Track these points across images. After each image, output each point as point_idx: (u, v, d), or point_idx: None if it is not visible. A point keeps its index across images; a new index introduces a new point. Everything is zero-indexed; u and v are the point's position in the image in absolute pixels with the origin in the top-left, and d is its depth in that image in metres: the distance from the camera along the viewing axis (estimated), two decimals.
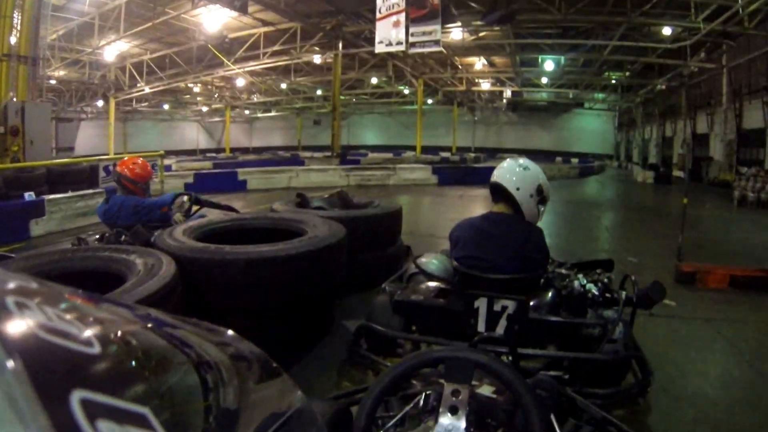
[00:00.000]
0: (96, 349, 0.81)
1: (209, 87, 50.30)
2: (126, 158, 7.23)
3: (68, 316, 0.88)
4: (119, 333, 1.02)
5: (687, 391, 5.05)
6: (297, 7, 26.27)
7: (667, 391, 4.85)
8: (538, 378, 2.74)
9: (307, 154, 51.47)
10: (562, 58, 36.82)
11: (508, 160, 4.27)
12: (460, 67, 43.03)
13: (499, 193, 4.11)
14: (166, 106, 57.50)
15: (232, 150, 64.01)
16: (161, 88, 39.42)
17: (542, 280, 4.14)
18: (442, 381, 2.01)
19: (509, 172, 4.11)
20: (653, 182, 35.03)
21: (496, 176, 4.10)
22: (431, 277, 4.26)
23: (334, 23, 28.50)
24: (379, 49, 19.33)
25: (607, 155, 66.94)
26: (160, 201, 7.12)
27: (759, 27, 25.33)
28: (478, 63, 41.72)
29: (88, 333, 0.84)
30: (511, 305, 3.62)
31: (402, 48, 18.95)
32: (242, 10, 21.87)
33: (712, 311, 7.51)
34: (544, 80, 46.88)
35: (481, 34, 30.70)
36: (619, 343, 3.70)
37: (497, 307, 3.66)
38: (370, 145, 67.46)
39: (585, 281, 4.01)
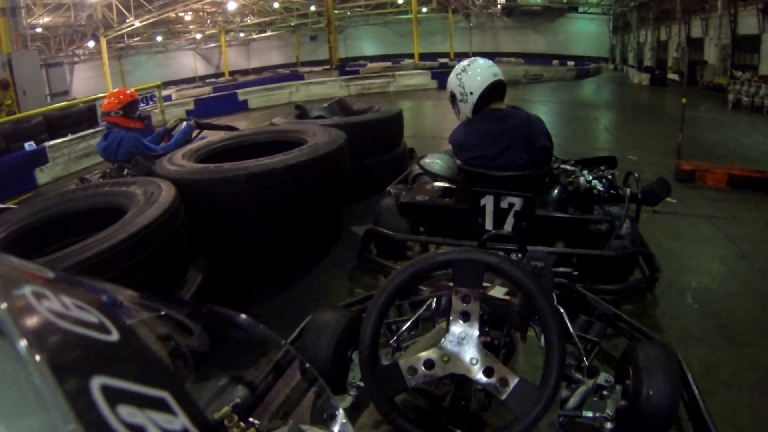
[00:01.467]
0: (114, 336, 0.79)
1: (201, 14, 49.81)
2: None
3: (85, 305, 0.84)
4: (137, 319, 1.03)
5: (691, 285, 5.04)
6: None
7: (672, 286, 4.83)
8: (533, 249, 2.66)
9: (307, 69, 50.94)
10: None
11: (478, 60, 4.12)
12: None
13: (498, 90, 4.00)
14: (159, 38, 56.69)
15: (231, 73, 63.42)
16: (152, 20, 38.98)
17: (547, 178, 4.06)
18: (451, 284, 1.91)
19: (496, 69, 4.01)
20: (649, 84, 34.79)
21: (500, 75, 3.98)
22: (436, 177, 4.18)
23: None
24: None
25: (603, 58, 66.61)
26: (158, 135, 7.05)
27: None
28: None
29: (106, 321, 0.82)
30: (518, 202, 3.55)
31: None
32: None
33: (712, 209, 7.52)
34: None
35: None
36: (627, 239, 3.65)
37: (504, 205, 3.59)
38: (369, 56, 66.84)
39: (590, 177, 3.94)
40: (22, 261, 0.95)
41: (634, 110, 21.56)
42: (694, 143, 11.50)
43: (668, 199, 6.08)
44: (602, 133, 14.62)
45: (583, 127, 15.29)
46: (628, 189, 3.89)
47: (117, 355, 0.77)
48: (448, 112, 14.21)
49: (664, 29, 48.30)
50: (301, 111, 8.57)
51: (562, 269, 3.59)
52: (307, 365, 1.41)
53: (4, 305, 0.69)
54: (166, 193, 4.37)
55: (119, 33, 41.06)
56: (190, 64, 70.31)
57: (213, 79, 56.94)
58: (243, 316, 1.36)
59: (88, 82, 48.41)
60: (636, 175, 3.87)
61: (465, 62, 4.18)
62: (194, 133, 7.40)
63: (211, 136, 7.42)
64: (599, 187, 3.88)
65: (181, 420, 0.74)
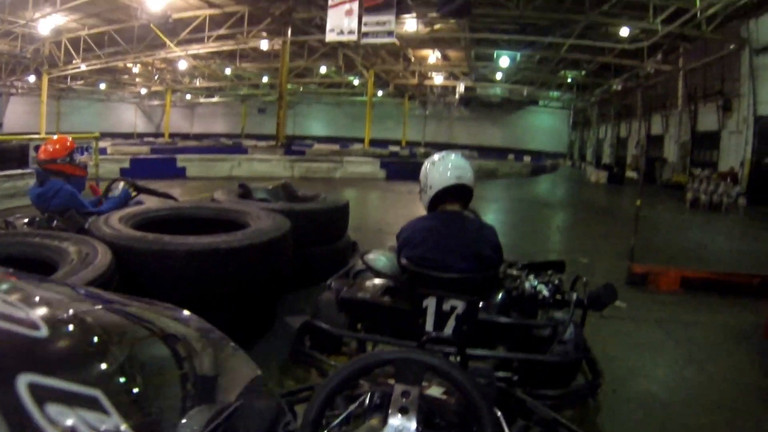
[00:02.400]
0: (43, 331, 0.80)
1: (150, 68, 49.18)
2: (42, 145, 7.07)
3: (13, 299, 0.88)
4: (69, 314, 1.02)
5: (636, 392, 5.13)
6: None
7: (616, 392, 4.92)
8: (476, 367, 2.74)
9: (251, 142, 51.41)
10: (518, 55, 37.05)
11: (452, 157, 4.22)
12: (413, 59, 43.05)
13: (458, 193, 4.10)
14: (102, 86, 56.09)
15: (172, 135, 62.88)
16: (98, 66, 38.33)
17: (492, 282, 4.15)
18: (390, 381, 1.99)
19: (470, 172, 4.11)
20: (606, 182, 35.42)
21: (464, 179, 4.07)
22: (378, 274, 4.24)
23: (283, 9, 28.20)
24: (330, 37, 19.19)
25: (560, 154, 67.72)
26: (92, 202, 7.04)
27: (716, 31, 25.89)
28: (432, 56, 41.68)
29: (35, 316, 0.84)
30: (460, 305, 3.62)
31: (354, 38, 18.83)
32: None
33: (663, 313, 7.66)
34: (499, 76, 47.15)
35: (437, 26, 30.74)
36: (570, 344, 3.72)
37: (446, 307, 3.65)
38: (317, 136, 67.75)
39: (536, 282, 4.03)
40: None
41: (589, 210, 21.94)
42: (649, 244, 11.71)
43: (618, 303, 6.20)
44: (554, 234, 14.86)
45: (535, 227, 15.50)
46: (574, 294, 3.99)
47: (45, 351, 0.78)
48: (393, 205, 14.40)
49: (624, 125, 49.54)
50: (244, 190, 8.53)
51: (501, 373, 3.66)
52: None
53: None
54: (102, 256, 4.36)
55: (63, 73, 40.44)
56: (130, 118, 70.55)
57: (152, 138, 57.16)
58: (185, 311, 1.37)
59: (22, 117, 48.13)
60: (584, 280, 3.98)
61: (439, 155, 4.29)
62: (132, 194, 7.37)
63: (149, 202, 7.43)
64: (545, 292, 3.97)
65: (114, 419, 0.75)
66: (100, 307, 1.15)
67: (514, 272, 4.25)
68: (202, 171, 24.17)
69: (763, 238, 15.59)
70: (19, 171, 15.18)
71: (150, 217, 6.36)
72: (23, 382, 0.67)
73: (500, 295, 4.03)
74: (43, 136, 25.55)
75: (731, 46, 27.80)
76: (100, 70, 44.11)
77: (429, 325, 3.65)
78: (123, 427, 0.75)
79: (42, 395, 0.67)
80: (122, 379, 0.87)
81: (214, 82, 55.04)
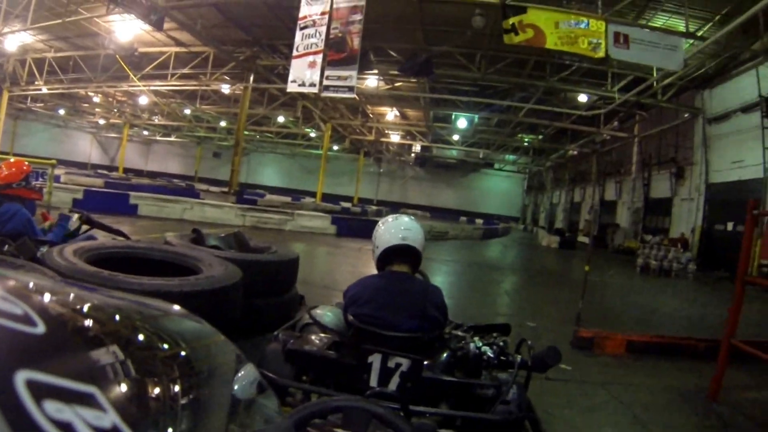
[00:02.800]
0: (40, 328, 0.81)
1: (110, 99, 48.98)
2: None
3: (10, 296, 0.88)
4: (65, 309, 1.03)
5: None
6: (213, 32, 26.12)
7: None
8: (420, 422, 2.80)
9: (204, 186, 51.27)
10: (476, 117, 37.43)
11: (402, 219, 4.31)
12: (371, 115, 43.31)
13: (405, 253, 4.17)
14: (62, 112, 56.12)
15: (126, 170, 62.94)
16: (60, 90, 38.08)
17: (437, 342, 4.20)
18: (337, 429, 2.04)
19: (418, 234, 4.18)
20: (558, 247, 35.74)
21: (409, 240, 4.15)
22: (325, 329, 4.28)
23: (248, 54, 28.38)
24: (292, 88, 19.20)
25: (513, 218, 68.38)
26: (45, 228, 6.99)
27: (671, 100, 26.63)
28: (390, 114, 41.99)
29: (32, 312, 0.84)
30: (405, 363, 3.66)
31: (315, 90, 18.88)
32: (157, 25, 21.50)
33: (609, 375, 7.73)
34: (456, 137, 47.51)
35: (397, 84, 31.00)
36: (513, 404, 3.77)
37: (391, 364, 3.69)
38: (269, 186, 67.82)
39: (480, 344, 4.08)
40: None
41: (539, 274, 22.12)
42: (597, 309, 11.86)
43: (563, 366, 6.26)
44: (503, 297, 14.85)
45: (484, 290, 15.48)
46: (518, 356, 4.05)
47: (43, 348, 0.78)
48: (342, 262, 14.43)
49: (578, 190, 50.13)
50: (197, 236, 8.55)
51: (444, 431, 3.70)
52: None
53: None
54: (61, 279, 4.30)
55: (24, 93, 39.97)
56: (86, 148, 70.35)
57: (105, 171, 56.52)
58: (176, 306, 1.38)
59: None
60: (529, 342, 4.05)
61: (392, 216, 4.38)
62: (83, 229, 7.34)
63: (102, 238, 7.41)
64: (489, 353, 4.01)
65: (111, 416, 0.76)
66: (95, 302, 1.15)
67: (460, 333, 4.31)
68: (154, 211, 24.04)
69: (710, 303, 15.85)
70: None
71: (103, 253, 6.33)
72: (21, 378, 0.68)
73: (445, 355, 4.08)
74: None
75: (685, 115, 28.52)
76: (62, 95, 44.03)
77: (373, 381, 3.68)
78: (119, 423, 0.77)
79: (40, 392, 0.69)
80: (119, 376, 0.88)
81: (172, 121, 54.98)
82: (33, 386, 0.69)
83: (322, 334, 4.32)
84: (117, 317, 1.14)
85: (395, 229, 4.18)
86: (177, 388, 1.01)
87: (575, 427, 5.76)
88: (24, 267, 4.71)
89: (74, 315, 1.02)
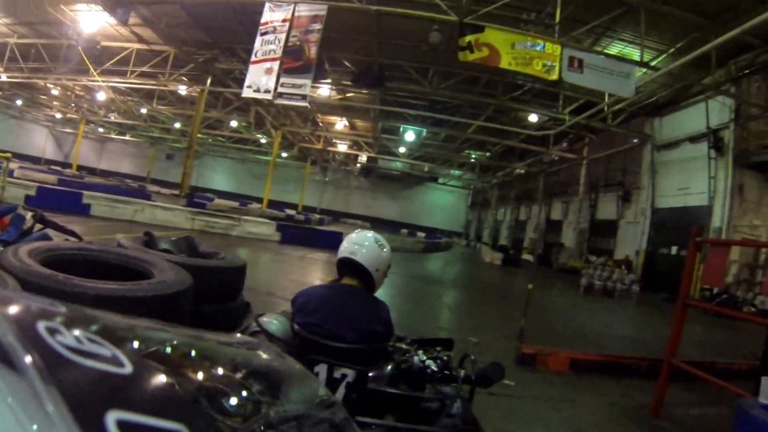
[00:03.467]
0: (128, 368, 0.83)
1: (69, 93, 48.25)
2: None
3: (98, 338, 0.90)
4: (151, 349, 1.06)
5: None
6: (176, 32, 26.07)
7: None
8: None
9: (155, 188, 51.07)
10: (424, 131, 37.65)
11: (364, 234, 4.29)
12: (321, 124, 43.40)
13: (353, 268, 4.16)
14: (19, 102, 55.30)
15: (80, 168, 62.17)
16: (20, 79, 37.56)
17: (381, 355, 4.19)
18: None
19: (370, 252, 4.16)
20: (501, 264, 35.72)
21: (357, 256, 4.13)
22: (271, 337, 4.24)
23: (207, 56, 28.39)
24: (247, 93, 19.13)
25: (456, 232, 68.82)
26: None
27: (621, 125, 27.17)
28: (340, 123, 42.23)
29: (119, 353, 0.87)
30: (350, 374, 3.65)
31: (269, 97, 18.82)
32: (123, 19, 21.35)
33: (552, 391, 7.82)
34: (402, 150, 47.73)
35: (349, 94, 31.17)
36: (457, 417, 3.77)
37: (337, 375, 3.67)
38: (218, 190, 67.58)
39: (424, 357, 4.08)
40: (34, 296, 0.98)
41: (482, 290, 22.26)
42: (541, 327, 11.97)
43: (506, 381, 6.28)
44: (445, 312, 14.82)
45: (425, 304, 15.45)
46: (462, 371, 4.06)
47: (131, 387, 0.81)
48: (286, 269, 14.45)
49: (524, 209, 50.68)
50: (149, 239, 8.47)
51: None
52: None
53: (17, 342, 0.76)
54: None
55: None
56: (41, 142, 69.39)
57: (59, 167, 55.65)
58: (254, 340, 1.38)
59: None
60: (472, 357, 4.05)
61: (360, 230, 4.37)
62: (36, 227, 7.25)
63: (57, 238, 7.39)
64: (433, 367, 4.01)
65: None
66: (178, 340, 1.20)
67: (404, 346, 4.30)
68: (106, 211, 23.75)
69: (653, 324, 16.13)
70: None
71: (57, 255, 6.21)
72: (112, 419, 0.70)
73: (389, 367, 4.07)
74: None
75: (635, 141, 29.14)
76: (20, 85, 43.51)
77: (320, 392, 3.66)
78: None
79: (129, 430, 0.71)
80: (207, 412, 0.91)
81: (128, 120, 54.51)
82: (123, 425, 0.71)
83: (269, 343, 4.29)
84: (200, 355, 1.21)
85: (349, 243, 4.17)
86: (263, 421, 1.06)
87: None
88: None
89: (157, 354, 1.05)
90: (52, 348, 0.78)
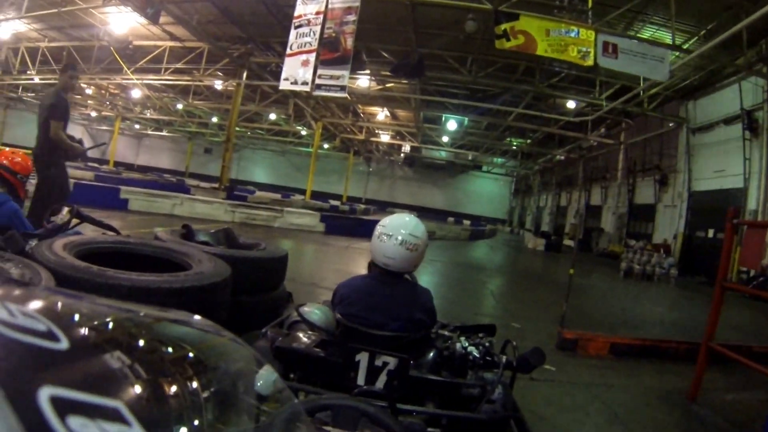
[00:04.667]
0: (63, 344, 0.81)
1: (103, 92, 48.65)
2: (5, 150, 6.96)
3: (33, 312, 0.88)
4: (89, 325, 1.02)
5: None
6: (208, 28, 26.10)
7: None
8: (409, 422, 2.79)
9: (194, 182, 50.84)
10: (466, 119, 37.45)
11: (393, 239, 4.22)
12: (362, 115, 43.27)
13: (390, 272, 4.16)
14: None
15: (117, 164, 62.64)
16: (52, 81, 37.17)
17: (424, 342, 4.18)
18: (326, 427, 2.03)
19: (403, 260, 4.10)
20: (544, 250, 35.78)
21: (391, 267, 4.10)
22: (313, 327, 4.25)
23: (242, 51, 28.36)
24: (284, 86, 19.10)
25: (500, 220, 68.34)
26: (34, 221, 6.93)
27: (656, 109, 26.82)
28: (381, 114, 42.19)
29: (55, 328, 0.84)
30: (392, 362, 3.65)
31: (307, 89, 18.79)
32: (153, 19, 21.38)
33: (591, 376, 7.78)
34: (445, 139, 47.47)
35: (388, 84, 30.99)
36: (498, 403, 3.76)
37: (378, 363, 3.67)
38: (259, 183, 67.49)
39: (467, 344, 4.07)
40: None
41: (525, 276, 22.19)
42: (581, 311, 11.91)
43: (548, 366, 6.26)
44: (489, 298, 14.77)
45: (469, 291, 15.41)
46: (504, 356, 4.04)
47: (67, 363, 0.78)
48: (330, 260, 14.39)
49: (564, 195, 50.24)
50: (187, 231, 8.42)
51: (431, 429, 3.69)
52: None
53: None
54: (47, 283, 4.27)
55: (16, 82, 39.79)
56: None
57: (96, 164, 55.63)
58: (197, 316, 1.36)
59: None
60: (513, 343, 4.04)
61: (389, 222, 4.31)
62: (72, 222, 7.27)
63: (92, 232, 7.33)
64: (475, 353, 4.00)
65: (136, 430, 0.76)
66: (115, 314, 1.14)
67: (446, 333, 4.29)
68: (144, 206, 23.73)
69: (691, 307, 15.96)
70: None
71: (93, 248, 6.22)
72: (45, 395, 0.68)
73: (431, 354, 4.06)
74: None
75: (670, 125, 28.71)
76: (53, 85, 43.16)
77: (361, 379, 3.67)
78: None
79: (64, 407, 0.69)
80: (145, 390, 0.88)
81: (164, 116, 54.67)
82: (57, 402, 0.69)
83: (310, 332, 4.31)
84: (140, 331, 1.13)
85: (378, 252, 4.13)
86: (195, 385, 1.01)
87: (558, 427, 5.78)
88: (12, 261, 4.67)
89: (96, 329, 1.01)
90: None
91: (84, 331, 0.97)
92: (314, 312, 4.47)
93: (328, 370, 3.94)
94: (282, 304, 8.25)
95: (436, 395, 3.95)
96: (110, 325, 1.08)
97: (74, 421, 0.68)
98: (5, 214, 6.21)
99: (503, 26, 16.13)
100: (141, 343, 1.07)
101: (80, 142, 9.71)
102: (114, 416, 0.75)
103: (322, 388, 3.76)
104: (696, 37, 19.97)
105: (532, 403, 6.00)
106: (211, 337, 1.32)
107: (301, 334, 4.27)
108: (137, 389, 0.86)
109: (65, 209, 7.26)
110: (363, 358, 3.73)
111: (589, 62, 16.22)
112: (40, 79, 37.18)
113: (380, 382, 3.70)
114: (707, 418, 6.56)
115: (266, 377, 1.38)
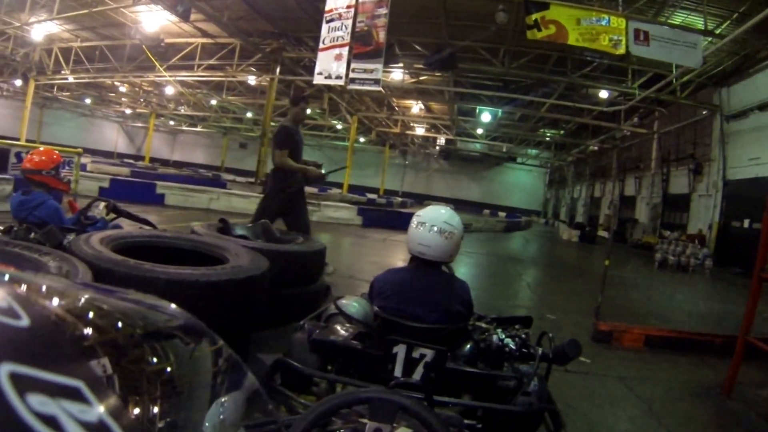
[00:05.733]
0: (24, 321, 0.80)
1: (136, 89, 48.81)
2: (28, 155, 7.04)
3: None
4: (52, 303, 1.01)
5: None
6: (240, 24, 26.22)
7: None
8: (447, 415, 2.81)
9: (230, 177, 51.34)
10: (500, 111, 37.31)
11: (426, 227, 4.20)
12: (396, 108, 43.26)
13: (426, 261, 4.18)
14: (88, 101, 56.27)
15: (152, 160, 63.09)
16: (86, 80, 38.21)
17: (461, 334, 4.19)
18: (362, 420, 2.06)
19: (438, 248, 4.12)
20: (578, 241, 35.51)
21: (427, 255, 4.12)
22: (350, 319, 4.28)
23: (274, 46, 28.39)
24: (318, 80, 19.20)
25: (535, 211, 67.89)
26: (72, 220, 6.99)
27: (689, 97, 26.46)
28: (415, 107, 42.19)
29: (16, 305, 0.83)
30: (429, 354, 3.66)
31: (341, 83, 18.87)
32: (184, 16, 21.58)
33: (626, 369, 7.71)
34: (480, 131, 47.37)
35: (422, 78, 30.96)
36: (534, 395, 3.76)
37: (416, 355, 3.69)
38: None
39: (503, 336, 4.08)
40: None
41: (560, 268, 22.08)
42: (616, 303, 11.80)
43: (582, 359, 6.23)
44: (524, 290, 14.70)
45: (505, 282, 15.37)
46: (540, 348, 4.04)
47: (27, 341, 0.77)
48: (367, 252, 14.35)
49: (598, 185, 49.85)
50: (224, 225, 8.48)
51: (467, 421, 3.70)
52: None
53: None
54: (84, 276, 4.32)
55: (50, 82, 40.12)
56: (112, 137, 70.85)
57: (131, 161, 56.45)
58: (173, 305, 1.36)
59: (3, 119, 48.60)
60: (550, 335, 4.04)
61: (424, 213, 4.33)
62: (109, 217, 7.35)
63: (128, 227, 7.46)
64: (511, 345, 4.00)
65: (97, 410, 0.74)
66: (85, 296, 1.14)
67: (483, 325, 4.30)
68: (180, 200, 23.97)
69: (727, 299, 15.72)
70: None
71: (130, 242, 6.33)
72: (4, 371, 0.67)
73: (468, 346, 4.08)
74: (23, 143, 25.20)
75: (704, 112, 28.34)
76: (87, 84, 44.22)
77: (398, 371, 3.69)
78: (105, 417, 0.76)
79: (23, 385, 0.68)
80: (106, 370, 0.86)
81: (198, 112, 55.00)
82: (16, 379, 0.69)
83: (348, 325, 4.33)
84: (107, 312, 1.11)
85: (414, 241, 4.16)
86: (149, 386, 0.99)
87: (593, 420, 5.74)
88: (50, 254, 4.75)
89: (60, 310, 1.00)
90: None
91: (46, 310, 0.96)
92: (352, 305, 4.51)
93: (365, 363, 3.96)
94: (320, 296, 8.30)
95: (472, 387, 3.97)
96: (72, 304, 1.07)
97: (34, 398, 0.68)
98: (45, 212, 6.31)
99: (534, 16, 16.08)
100: (103, 323, 1.06)
101: (319, 166, 10.31)
102: (75, 395, 0.74)
103: (359, 380, 3.79)
104: (728, 21, 19.60)
105: (567, 396, 5.97)
106: (176, 322, 1.32)
107: (338, 327, 4.30)
108: (97, 370, 0.85)
109: (102, 204, 7.36)
110: (400, 350, 3.75)
111: (621, 51, 16.12)
112: (74, 79, 37.61)
113: (417, 374, 3.73)
114: (742, 413, 6.47)
115: (231, 405, 1.32)
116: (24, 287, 1.05)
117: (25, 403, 0.67)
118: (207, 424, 1.11)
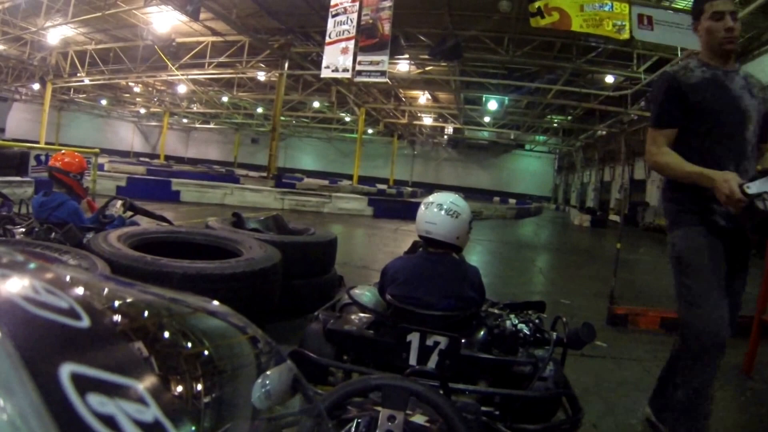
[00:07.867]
0: (85, 322, 0.79)
1: (150, 89, 49.43)
2: (57, 153, 7.14)
3: (56, 289, 0.86)
4: (111, 304, 1.02)
5: (616, 426, 5.13)
6: (248, 21, 26.38)
7: (597, 427, 4.94)
8: (463, 402, 2.79)
9: (243, 171, 51.93)
10: (506, 99, 37.28)
11: (433, 207, 4.22)
12: (403, 99, 43.25)
13: (434, 243, 4.16)
14: (103, 102, 56.65)
15: (167, 158, 64.13)
16: (101, 81, 38.45)
17: (474, 320, 4.17)
18: (377, 407, 2.04)
19: (444, 225, 4.12)
20: (589, 225, 35.56)
21: (433, 234, 4.12)
22: (364, 308, 4.26)
23: (282, 42, 28.50)
24: (325, 74, 19.29)
25: (545, 197, 67.85)
26: (91, 219, 7.04)
27: None
28: (422, 97, 42.23)
29: (77, 306, 0.82)
30: (443, 341, 3.64)
31: (348, 75, 18.93)
32: (194, 15, 21.71)
33: (642, 352, 7.65)
34: (487, 119, 47.31)
35: (428, 68, 30.96)
36: (550, 380, 3.74)
37: (429, 342, 3.67)
38: (306, 170, 67.89)
39: (517, 321, 4.05)
40: None
41: (572, 252, 22.04)
42: (630, 286, 11.78)
43: (598, 342, 6.18)
44: (537, 275, 14.70)
45: (518, 268, 15.33)
46: (554, 333, 4.01)
47: (87, 341, 0.78)
48: (379, 242, 14.32)
49: (608, 170, 49.80)
50: (237, 219, 8.59)
51: (483, 408, 3.68)
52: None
53: None
54: (102, 272, 4.37)
55: (67, 84, 40.60)
56: (128, 137, 71.64)
57: (147, 159, 57.62)
58: (215, 302, 1.36)
59: (22, 123, 49.34)
60: (564, 319, 4.00)
61: (434, 198, 4.34)
62: (126, 215, 7.46)
63: (145, 223, 7.54)
64: (525, 330, 3.99)
65: (153, 410, 0.74)
66: (136, 297, 1.15)
67: (496, 311, 4.28)
68: (195, 196, 24.18)
69: None
70: (18, 179, 15.05)
71: (147, 239, 6.45)
72: (66, 372, 0.66)
73: (482, 333, 4.05)
74: (43, 145, 25.46)
75: None
76: (102, 86, 44.46)
77: (412, 359, 3.67)
78: (161, 417, 0.75)
79: (83, 385, 0.67)
80: (163, 371, 0.88)
81: (210, 109, 55.52)
82: (77, 379, 0.67)
83: (362, 314, 4.32)
84: (162, 313, 1.13)
85: (421, 221, 4.17)
86: (200, 387, 0.98)
87: (610, 403, 5.70)
88: (70, 253, 4.78)
89: (118, 310, 1.00)
90: (4, 295, 0.76)
91: (105, 311, 0.96)
92: (365, 294, 4.50)
93: (380, 351, 3.94)
94: (333, 287, 8.31)
95: (487, 373, 3.94)
96: (132, 307, 1.08)
97: (93, 398, 0.67)
98: (65, 212, 6.39)
99: (537, 4, 16.05)
100: (161, 327, 1.07)
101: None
102: (133, 396, 0.74)
103: (375, 369, 3.77)
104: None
105: (584, 380, 5.94)
106: (232, 332, 1.28)
107: (352, 316, 4.29)
108: (155, 372, 0.85)
109: (119, 202, 7.45)
110: (414, 338, 3.73)
111: (625, 35, 16.09)
112: (90, 81, 37.89)
113: (432, 361, 3.70)
114: (764, 393, 6.44)
115: (276, 377, 1.34)
116: (84, 288, 1.04)
117: (85, 403, 0.66)
118: (256, 395, 1.12)
